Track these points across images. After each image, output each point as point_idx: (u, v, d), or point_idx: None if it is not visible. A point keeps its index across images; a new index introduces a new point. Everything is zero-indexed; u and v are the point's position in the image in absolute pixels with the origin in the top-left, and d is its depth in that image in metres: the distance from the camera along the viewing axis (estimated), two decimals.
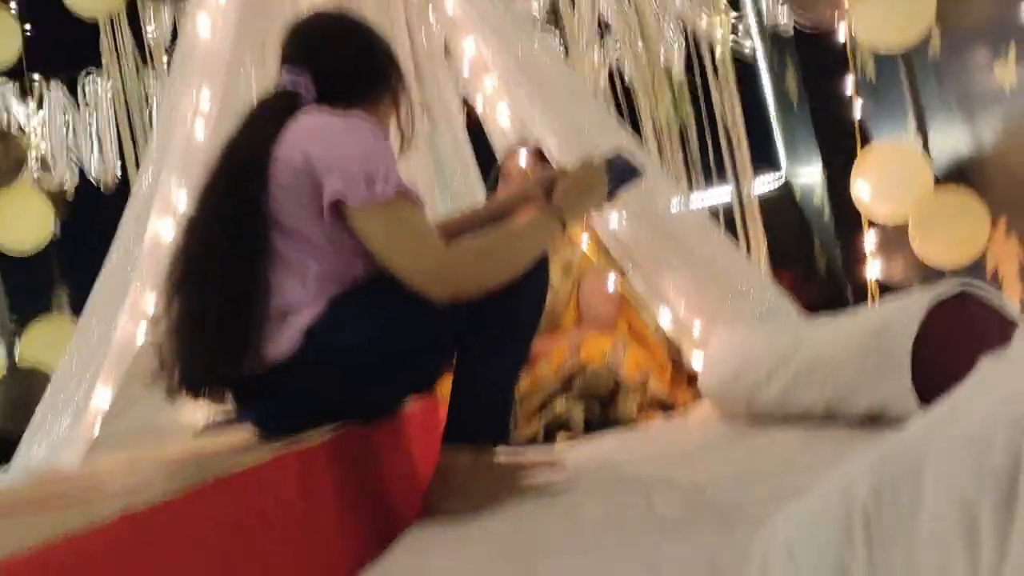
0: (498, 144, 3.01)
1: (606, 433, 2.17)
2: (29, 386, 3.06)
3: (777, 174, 4.23)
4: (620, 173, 1.61)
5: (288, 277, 1.41)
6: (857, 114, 3.02)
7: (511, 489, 1.45)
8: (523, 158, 2.67)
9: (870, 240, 3.00)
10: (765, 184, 4.16)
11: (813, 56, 3.54)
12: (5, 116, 3.74)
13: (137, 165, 3.58)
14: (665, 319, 2.33)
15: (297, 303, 1.40)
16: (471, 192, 2.82)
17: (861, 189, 2.91)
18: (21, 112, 3.76)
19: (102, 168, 3.76)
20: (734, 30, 3.48)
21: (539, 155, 2.61)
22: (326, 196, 1.36)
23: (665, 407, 2.36)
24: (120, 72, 3.65)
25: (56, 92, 3.79)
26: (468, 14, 2.59)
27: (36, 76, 3.76)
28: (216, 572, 0.89)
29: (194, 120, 2.12)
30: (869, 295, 2.95)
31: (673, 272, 2.26)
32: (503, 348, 1.48)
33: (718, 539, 0.96)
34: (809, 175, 3.90)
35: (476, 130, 3.01)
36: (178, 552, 0.84)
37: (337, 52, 1.55)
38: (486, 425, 1.47)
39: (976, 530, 0.25)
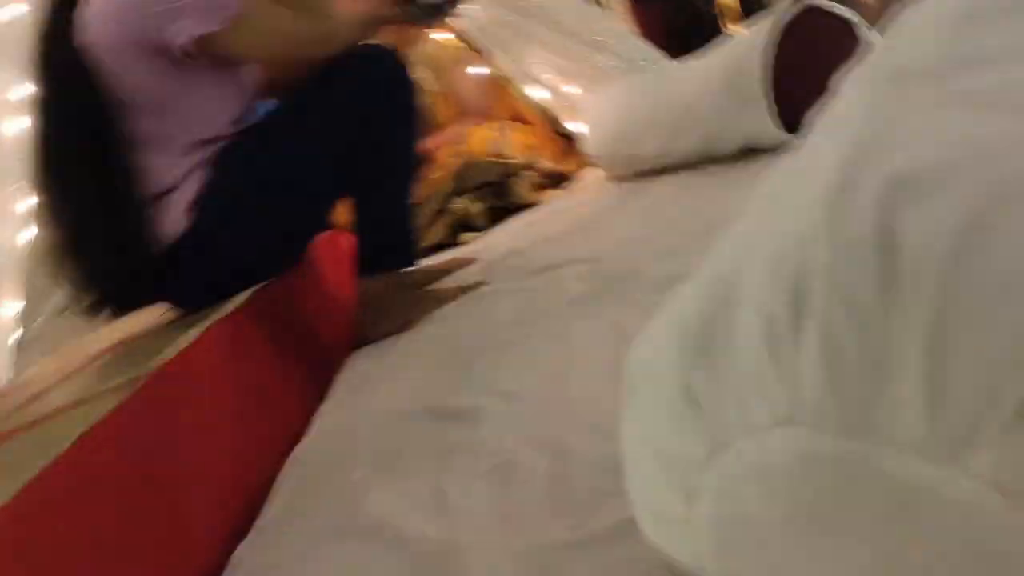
0: None
1: (507, 221, 2.25)
2: None
3: None
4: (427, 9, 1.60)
5: (156, 156, 1.39)
6: None
7: (432, 301, 1.52)
8: None
9: None
10: None
11: None
12: None
13: None
14: (539, 94, 2.35)
15: (174, 180, 1.39)
16: None
17: None
18: None
19: None
20: None
21: None
22: (177, 40, 1.32)
23: (557, 180, 2.43)
24: None
25: None
26: None
27: None
28: (182, 454, 0.95)
29: None
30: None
31: (538, 45, 2.25)
32: (391, 167, 1.49)
33: (620, 308, 1.06)
34: None
35: None
36: (141, 451, 0.90)
37: None
38: (395, 249, 1.52)
39: (778, 337, 0.33)
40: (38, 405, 1.18)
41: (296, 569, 0.79)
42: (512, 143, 2.41)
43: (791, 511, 0.33)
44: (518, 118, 2.66)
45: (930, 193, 0.30)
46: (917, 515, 0.29)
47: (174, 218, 1.38)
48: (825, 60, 1.54)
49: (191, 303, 1.45)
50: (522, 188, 2.33)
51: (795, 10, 1.54)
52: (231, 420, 1.09)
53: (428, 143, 2.40)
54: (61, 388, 1.27)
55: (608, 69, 2.23)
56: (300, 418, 1.24)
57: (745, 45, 1.57)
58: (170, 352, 1.07)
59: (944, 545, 0.29)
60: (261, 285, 1.39)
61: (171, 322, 1.48)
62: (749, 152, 1.59)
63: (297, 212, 1.49)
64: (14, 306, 1.94)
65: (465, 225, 2.33)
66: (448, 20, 2.49)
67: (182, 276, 1.43)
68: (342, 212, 1.60)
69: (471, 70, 2.58)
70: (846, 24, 1.59)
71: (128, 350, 1.41)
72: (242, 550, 0.88)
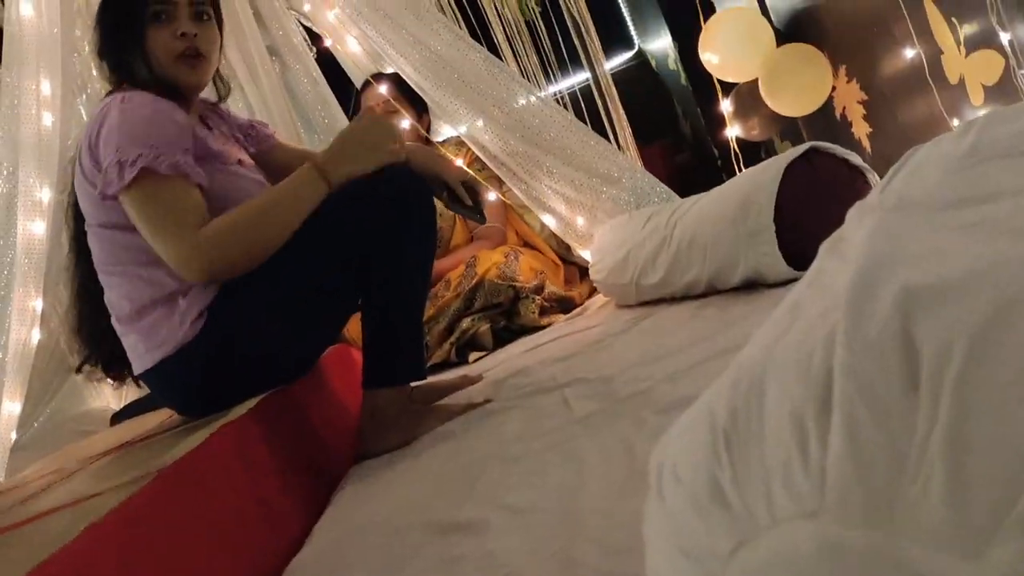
0: (353, 73, 3.00)
1: (514, 342, 2.27)
2: None
3: (631, 52, 4.31)
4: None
5: (161, 264, 1.42)
6: None
7: (438, 416, 1.52)
8: (382, 87, 2.67)
9: (727, 102, 3.13)
10: (622, 62, 4.25)
11: None
12: None
13: None
14: (549, 221, 2.41)
15: (182, 285, 1.42)
16: (335, 126, 2.81)
17: (711, 55, 3.02)
18: None
19: None
20: None
21: (397, 81, 2.61)
22: (99, 193, 1.41)
23: (565, 305, 2.47)
24: None
25: None
26: None
27: None
28: (180, 557, 0.95)
29: (39, 110, 2.02)
30: (732, 152, 3.08)
31: (548, 175, 2.33)
32: (403, 285, 1.50)
33: (631, 427, 1.07)
34: (661, 47, 3.99)
35: (328, 58, 2.99)
36: (143, 547, 0.89)
37: (98, 35, 1.55)
38: (403, 364, 1.52)
39: (805, 431, 0.34)
40: (36, 502, 1.17)
41: None
42: (522, 267, 2.45)
43: None
44: (528, 244, 2.72)
45: (943, 303, 0.32)
46: None
47: (184, 321, 1.40)
48: (826, 201, 1.61)
49: (195, 410, 1.46)
50: (530, 311, 2.37)
51: (802, 150, 1.61)
52: (232, 525, 1.08)
53: (440, 265, 2.46)
54: (60, 487, 1.26)
55: (619, 202, 2.29)
56: (300, 528, 1.22)
57: (752, 182, 1.62)
58: (175, 454, 1.07)
59: None
60: (270, 392, 1.40)
61: (175, 427, 1.48)
62: (752, 286, 1.62)
63: (309, 324, 1.51)
64: (14, 407, 1.95)
65: (472, 345, 2.35)
66: (464, 147, 2.59)
67: (188, 383, 1.43)
68: (354, 326, 1.62)
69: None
70: (849, 167, 1.65)
71: (130, 453, 1.40)
72: None
